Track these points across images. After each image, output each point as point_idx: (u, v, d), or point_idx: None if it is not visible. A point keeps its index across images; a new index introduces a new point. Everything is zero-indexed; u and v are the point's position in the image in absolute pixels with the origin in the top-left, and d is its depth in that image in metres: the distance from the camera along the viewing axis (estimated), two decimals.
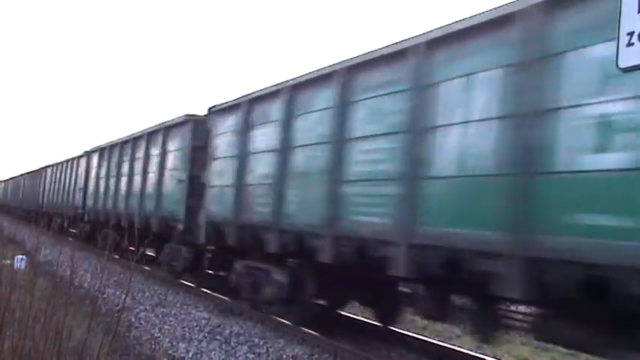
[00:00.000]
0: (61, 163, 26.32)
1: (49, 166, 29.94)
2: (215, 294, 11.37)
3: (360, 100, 7.06)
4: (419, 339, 8.62)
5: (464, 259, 5.35)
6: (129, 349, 7.40)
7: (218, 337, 8.37)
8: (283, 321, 9.14)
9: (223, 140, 10.54)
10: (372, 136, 6.81)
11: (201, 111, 13.17)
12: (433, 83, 5.94)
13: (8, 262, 5.62)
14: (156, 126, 14.60)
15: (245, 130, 9.82)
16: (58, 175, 26.75)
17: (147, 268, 14.36)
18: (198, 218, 11.04)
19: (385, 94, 6.66)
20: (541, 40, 4.90)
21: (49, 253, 6.71)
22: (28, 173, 37.89)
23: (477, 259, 5.22)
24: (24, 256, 7.84)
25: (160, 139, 14.08)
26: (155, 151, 14.36)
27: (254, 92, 9.81)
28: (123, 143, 17.28)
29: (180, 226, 12.05)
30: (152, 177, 14.18)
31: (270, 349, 7.84)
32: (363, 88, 7.07)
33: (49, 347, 3.64)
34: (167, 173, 13.35)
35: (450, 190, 5.69)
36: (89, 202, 20.12)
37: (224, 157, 10.37)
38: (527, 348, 8.93)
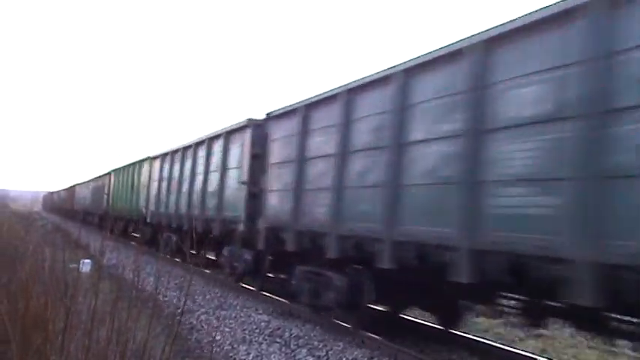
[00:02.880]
0: (183, 149, 16.89)
1: (154, 158, 20.06)
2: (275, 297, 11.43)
3: None
4: (480, 342, 8.42)
5: None
6: (190, 352, 7.51)
7: (278, 340, 8.39)
8: (342, 323, 9.11)
9: None
10: None
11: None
12: None
13: (75, 265, 5.77)
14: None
15: None
16: (176, 169, 17.22)
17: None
18: None
19: None
20: None
21: (113, 257, 6.87)
22: (117, 170, 27.27)
23: None
24: (89, 260, 8.06)
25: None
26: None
27: None
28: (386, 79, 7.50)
29: None
30: None
31: (330, 352, 7.80)
32: None
33: (112, 348, 3.71)
34: None
35: None
36: (275, 211, 10.26)
37: None
38: (593, 352, 8.59)
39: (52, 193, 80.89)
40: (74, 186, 49.74)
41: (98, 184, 34.08)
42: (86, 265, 7.49)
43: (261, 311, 10.48)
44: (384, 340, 8.10)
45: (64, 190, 61.65)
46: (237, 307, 10.82)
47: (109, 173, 29.84)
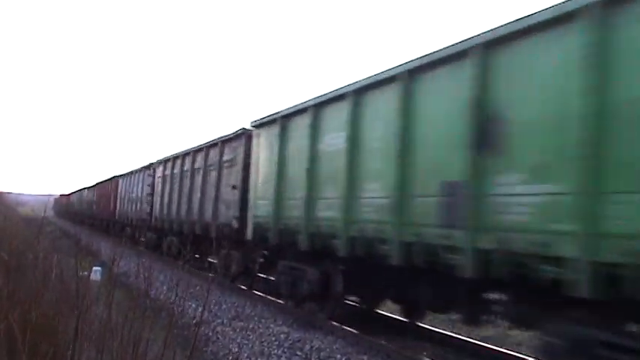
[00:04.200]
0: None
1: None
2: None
3: None
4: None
5: None
6: None
7: (298, 353, 8.36)
8: (365, 335, 9.06)
9: None
10: None
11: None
12: None
13: (85, 273, 5.80)
14: None
15: None
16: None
17: None
18: None
19: None
20: None
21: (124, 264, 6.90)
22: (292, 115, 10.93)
23: None
24: (100, 268, 8.12)
25: None
26: None
27: None
28: None
29: None
30: None
31: None
32: None
33: None
34: None
35: None
36: None
37: None
38: None
39: (66, 195, 67.52)
40: (115, 178, 31.23)
41: (195, 165, 17.31)
42: (97, 272, 7.55)
43: (280, 322, 10.46)
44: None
45: (89, 188, 44.00)
46: (255, 318, 10.82)
47: (240, 133, 13.96)
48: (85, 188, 47.90)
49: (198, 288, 10.17)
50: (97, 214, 38.10)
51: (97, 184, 40.04)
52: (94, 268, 7.92)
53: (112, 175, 32.71)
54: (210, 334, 9.35)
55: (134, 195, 26.24)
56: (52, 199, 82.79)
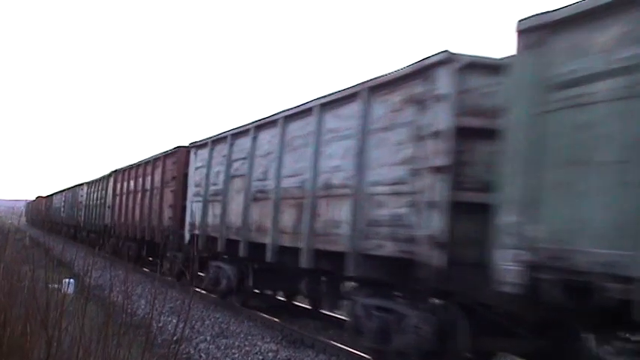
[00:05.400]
0: None
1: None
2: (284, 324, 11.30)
3: None
4: None
5: None
6: None
7: None
8: (361, 354, 8.96)
9: None
10: None
11: None
12: None
13: (56, 286, 5.69)
14: None
15: None
16: None
17: None
18: None
19: None
20: None
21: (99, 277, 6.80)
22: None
23: None
24: (72, 280, 7.97)
25: None
26: None
27: None
28: None
29: None
30: None
31: None
32: None
33: None
34: None
35: None
36: None
37: None
38: None
39: (44, 197, 55.15)
40: (180, 149, 16.89)
41: None
42: (69, 285, 7.41)
43: (268, 339, 10.36)
44: None
45: (94, 182, 29.80)
46: (241, 335, 10.72)
47: None
48: (84, 183, 32.40)
49: None
50: (118, 229, 23.35)
51: (114, 171, 25.39)
52: (66, 280, 7.78)
53: (176, 146, 17.39)
54: (192, 351, 9.25)
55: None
56: (21, 206, 78.65)
